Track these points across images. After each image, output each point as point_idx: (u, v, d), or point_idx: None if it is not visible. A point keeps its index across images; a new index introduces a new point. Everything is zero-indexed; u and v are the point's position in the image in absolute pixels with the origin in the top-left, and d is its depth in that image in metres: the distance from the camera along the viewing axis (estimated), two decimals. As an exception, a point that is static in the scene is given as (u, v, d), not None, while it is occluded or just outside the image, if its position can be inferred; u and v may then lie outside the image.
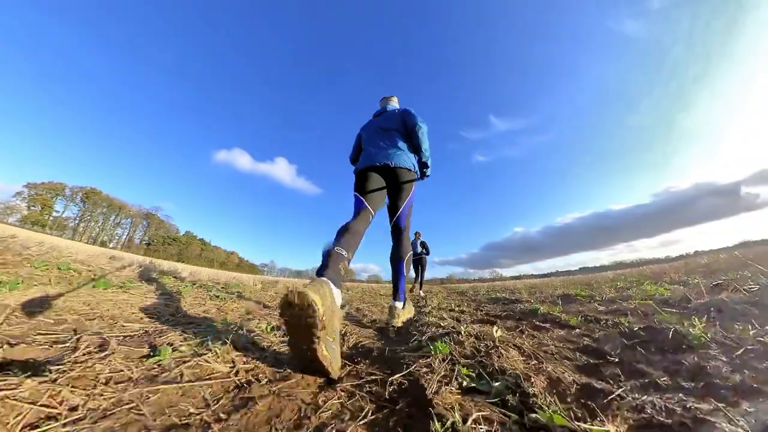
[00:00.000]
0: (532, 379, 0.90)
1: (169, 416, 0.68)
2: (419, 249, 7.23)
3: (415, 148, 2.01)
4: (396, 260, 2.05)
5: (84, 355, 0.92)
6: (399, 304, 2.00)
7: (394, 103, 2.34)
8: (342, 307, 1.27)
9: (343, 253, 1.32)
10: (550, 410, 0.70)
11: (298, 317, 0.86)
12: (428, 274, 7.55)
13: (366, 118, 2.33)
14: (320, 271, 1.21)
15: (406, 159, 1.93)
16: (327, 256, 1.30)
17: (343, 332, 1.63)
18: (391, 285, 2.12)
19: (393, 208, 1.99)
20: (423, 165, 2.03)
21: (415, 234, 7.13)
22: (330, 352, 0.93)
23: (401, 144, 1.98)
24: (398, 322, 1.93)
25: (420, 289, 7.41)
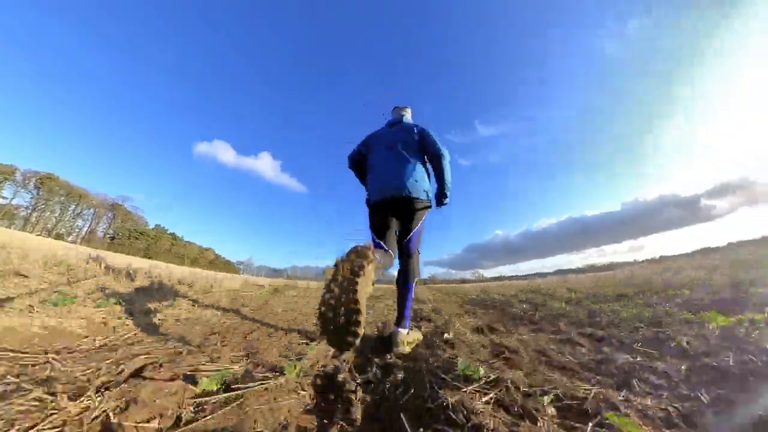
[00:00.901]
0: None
1: None
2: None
3: (437, 177, 1.97)
4: (402, 282, 1.90)
5: None
6: (404, 331, 1.82)
7: (407, 115, 2.21)
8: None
9: (385, 251, 1.76)
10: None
11: (351, 262, 1.06)
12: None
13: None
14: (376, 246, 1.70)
15: (421, 187, 1.86)
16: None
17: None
18: (396, 307, 1.93)
19: (404, 232, 1.90)
20: (443, 195, 1.98)
21: None
22: (363, 305, 0.99)
23: (417, 167, 1.90)
24: (405, 348, 1.76)
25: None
